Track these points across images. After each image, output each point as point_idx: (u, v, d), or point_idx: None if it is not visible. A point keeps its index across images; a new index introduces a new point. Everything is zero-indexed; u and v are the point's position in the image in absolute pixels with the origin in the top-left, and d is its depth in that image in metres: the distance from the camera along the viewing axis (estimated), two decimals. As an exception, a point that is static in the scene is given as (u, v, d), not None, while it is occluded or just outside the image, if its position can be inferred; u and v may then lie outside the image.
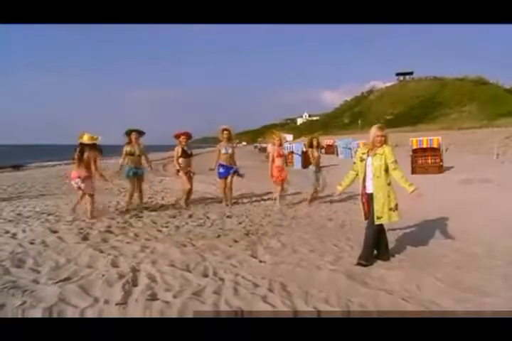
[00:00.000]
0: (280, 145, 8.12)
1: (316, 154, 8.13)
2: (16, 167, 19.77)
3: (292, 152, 21.15)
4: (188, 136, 7.50)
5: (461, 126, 52.68)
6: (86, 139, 6.26)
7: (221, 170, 7.71)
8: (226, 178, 7.73)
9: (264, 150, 40.53)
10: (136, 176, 7.22)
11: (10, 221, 6.07)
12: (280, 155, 8.00)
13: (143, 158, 7.43)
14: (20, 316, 2.78)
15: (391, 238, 4.82)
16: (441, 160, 14.71)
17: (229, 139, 7.76)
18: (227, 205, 7.73)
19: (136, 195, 7.34)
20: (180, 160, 7.55)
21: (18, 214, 6.65)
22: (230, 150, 7.68)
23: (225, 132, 7.68)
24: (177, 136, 7.42)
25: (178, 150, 7.49)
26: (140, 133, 7.36)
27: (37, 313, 2.81)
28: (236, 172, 7.84)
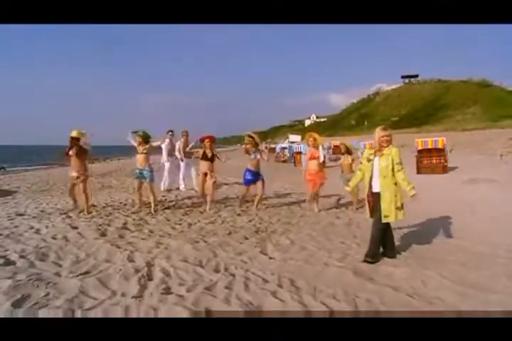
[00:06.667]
0: (315, 146, 7.32)
1: (347, 161, 7.61)
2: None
3: (300, 152, 21.30)
4: (212, 139, 7.56)
5: (465, 128, 52.30)
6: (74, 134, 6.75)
7: (249, 176, 7.36)
8: (250, 185, 7.46)
9: (272, 150, 40.41)
10: (140, 178, 7.19)
11: (34, 217, 6.35)
12: (314, 158, 7.28)
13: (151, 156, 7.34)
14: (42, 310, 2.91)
15: (397, 236, 4.88)
16: (446, 161, 14.71)
17: (255, 145, 7.35)
18: (258, 209, 7.43)
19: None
20: (200, 162, 7.55)
21: (42, 211, 6.93)
22: (258, 156, 7.35)
23: (249, 138, 7.37)
24: (202, 140, 7.54)
25: (200, 151, 7.53)
26: (143, 137, 7.18)
27: (59, 304, 2.95)
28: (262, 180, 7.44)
